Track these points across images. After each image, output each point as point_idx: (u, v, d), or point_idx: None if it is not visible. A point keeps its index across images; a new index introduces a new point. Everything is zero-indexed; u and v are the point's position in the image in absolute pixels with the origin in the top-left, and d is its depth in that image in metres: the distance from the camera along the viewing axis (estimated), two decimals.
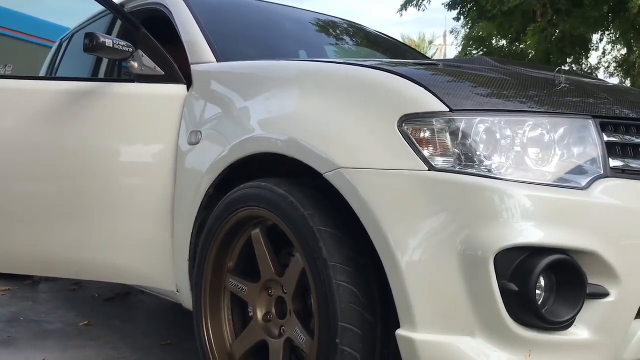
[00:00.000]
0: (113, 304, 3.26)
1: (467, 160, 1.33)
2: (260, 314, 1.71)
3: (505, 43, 10.34)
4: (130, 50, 2.18)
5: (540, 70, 1.75)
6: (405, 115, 1.38)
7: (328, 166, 1.45)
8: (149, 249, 2.14)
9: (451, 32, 11.12)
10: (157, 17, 2.62)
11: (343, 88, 1.57)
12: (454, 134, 1.35)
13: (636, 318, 1.31)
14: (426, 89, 1.40)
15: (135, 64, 2.20)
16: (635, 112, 1.52)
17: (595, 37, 9.45)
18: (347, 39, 3.40)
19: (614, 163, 1.39)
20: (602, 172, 1.36)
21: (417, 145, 1.36)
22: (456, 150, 1.34)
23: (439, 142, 1.35)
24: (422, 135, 1.37)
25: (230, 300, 1.83)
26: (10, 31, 5.97)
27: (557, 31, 8.05)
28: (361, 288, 1.41)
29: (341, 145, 1.46)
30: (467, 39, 10.54)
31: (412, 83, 1.43)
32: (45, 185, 2.28)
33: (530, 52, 8.96)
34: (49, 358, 2.30)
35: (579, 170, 1.36)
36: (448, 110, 1.36)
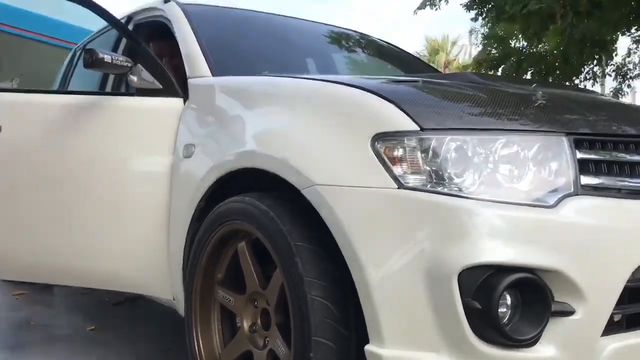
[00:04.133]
0: (122, 308, 3.34)
1: (437, 179, 1.36)
2: (246, 325, 1.76)
3: (524, 44, 10.23)
4: (129, 64, 2.24)
5: (522, 86, 1.77)
6: (377, 134, 1.42)
7: (305, 182, 1.49)
8: (147, 259, 2.20)
9: (470, 32, 11.04)
10: (162, 29, 2.69)
11: (322, 106, 1.61)
12: (424, 152, 1.38)
13: (603, 335, 1.33)
14: (398, 107, 1.43)
15: (135, 78, 2.26)
16: (612, 128, 1.53)
17: (622, 39, 9.32)
18: (352, 49, 3.42)
19: (586, 180, 1.40)
20: (572, 190, 1.37)
21: (389, 164, 1.39)
22: (427, 169, 1.37)
23: (410, 161, 1.38)
24: (393, 153, 1.40)
25: (220, 310, 1.88)
26: (26, 32, 6.02)
27: (577, 33, 7.94)
28: (336, 303, 1.44)
29: (318, 162, 1.50)
30: (488, 39, 10.45)
31: (384, 101, 1.46)
32: (49, 196, 2.36)
33: (548, 55, 8.86)
34: None
35: (549, 188, 1.37)
36: (419, 129, 1.38)
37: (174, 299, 2.14)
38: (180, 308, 2.09)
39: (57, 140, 2.35)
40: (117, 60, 2.22)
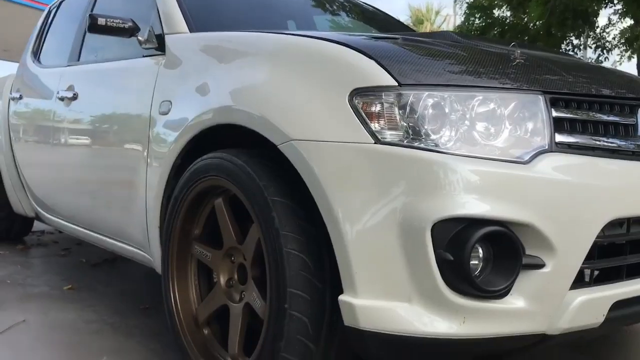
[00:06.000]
0: (99, 269, 3.34)
1: (414, 135, 1.37)
2: (223, 280, 1.77)
3: (508, 14, 10.22)
4: (128, 25, 2.23)
5: (500, 46, 1.77)
6: (356, 89, 1.41)
7: (282, 138, 1.49)
8: (128, 215, 2.21)
9: (454, 1, 10.99)
10: None
11: (299, 61, 1.60)
12: (402, 108, 1.38)
13: (571, 289, 1.36)
14: (377, 62, 1.42)
15: (142, 39, 2.26)
16: (588, 88, 1.55)
17: (603, 11, 9.35)
18: (336, 12, 3.39)
19: (561, 138, 1.42)
20: (546, 147, 1.39)
21: (366, 119, 1.39)
22: (404, 124, 1.37)
23: (387, 116, 1.39)
24: (371, 109, 1.40)
25: (197, 266, 1.89)
26: None
27: (560, 4, 7.95)
28: (311, 256, 1.46)
29: (294, 117, 1.49)
30: (471, 9, 10.42)
31: (363, 56, 1.45)
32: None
33: (531, 25, 8.87)
34: (31, 319, 2.38)
35: (524, 145, 1.39)
36: (397, 84, 1.38)
37: (150, 257, 2.14)
38: (157, 266, 2.10)
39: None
40: (113, 22, 2.20)
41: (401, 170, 1.32)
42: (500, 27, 9.69)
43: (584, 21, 8.50)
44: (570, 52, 9.51)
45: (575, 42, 9.33)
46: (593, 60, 9.70)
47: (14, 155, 3.51)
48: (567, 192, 1.36)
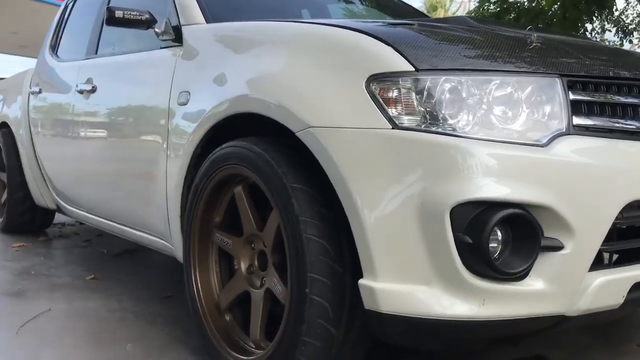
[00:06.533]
0: (120, 259, 3.39)
1: (431, 119, 1.38)
2: (243, 266, 1.80)
3: None
4: (145, 17, 2.25)
5: (516, 30, 1.77)
6: (373, 75, 1.42)
7: (300, 125, 1.51)
8: (152, 205, 2.25)
9: None
10: None
11: (317, 48, 1.61)
12: (419, 93, 1.39)
13: (590, 270, 1.37)
14: (394, 48, 1.43)
15: (159, 31, 2.28)
16: (605, 70, 1.54)
17: None
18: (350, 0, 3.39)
19: (578, 121, 1.42)
20: (564, 129, 1.40)
21: (383, 105, 1.40)
22: (421, 109, 1.38)
23: (405, 101, 1.40)
24: (388, 94, 1.41)
25: (218, 253, 1.92)
26: None
27: None
28: (331, 241, 1.48)
29: (312, 104, 1.51)
30: None
31: (380, 42, 1.46)
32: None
33: (547, 9, 8.75)
34: (55, 308, 2.44)
35: (542, 128, 1.39)
36: (414, 69, 1.39)
37: (172, 245, 2.18)
38: (179, 254, 2.13)
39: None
40: (131, 14, 2.22)
41: (419, 154, 1.34)
42: (516, 13, 9.57)
43: (598, 5, 8.37)
44: (588, 36, 9.39)
45: (591, 25, 9.20)
46: (615, 44, 9.56)
47: (34, 149, 3.57)
48: (585, 174, 1.36)
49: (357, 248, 1.39)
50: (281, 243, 1.62)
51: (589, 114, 1.46)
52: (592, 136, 1.43)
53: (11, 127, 3.86)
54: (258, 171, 1.61)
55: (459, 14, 24.54)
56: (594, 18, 9.18)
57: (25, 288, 2.73)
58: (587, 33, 9.21)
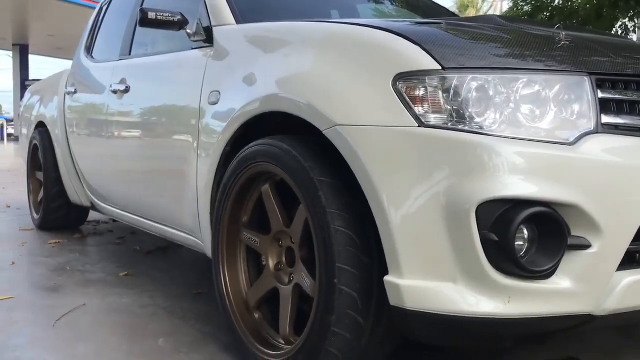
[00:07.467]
0: (153, 256, 3.46)
1: (458, 118, 1.38)
2: (272, 264, 1.83)
3: None
4: (178, 18, 2.30)
5: (545, 28, 1.75)
6: (399, 74, 1.44)
7: (326, 123, 1.53)
8: (183, 203, 2.29)
9: None
10: None
11: (344, 48, 1.63)
12: (446, 91, 1.40)
13: (619, 270, 1.36)
14: (421, 47, 1.44)
15: (190, 32, 2.33)
16: (634, 68, 1.52)
17: None
18: (380, 0, 3.39)
19: (607, 119, 1.41)
20: (592, 128, 1.39)
21: (410, 103, 1.41)
22: (448, 108, 1.39)
23: (431, 100, 1.41)
24: (415, 93, 1.42)
25: (246, 251, 1.95)
26: None
27: None
28: (358, 233, 1.49)
29: (339, 103, 1.53)
30: None
31: (407, 41, 1.47)
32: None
33: (580, 8, 8.59)
34: (90, 303, 2.50)
35: (570, 127, 1.39)
36: (441, 68, 1.40)
37: (202, 242, 2.22)
38: (208, 251, 2.17)
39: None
40: (163, 15, 2.27)
41: (446, 152, 1.34)
42: (549, 12, 9.43)
43: (637, 2, 8.19)
44: (623, 34, 9.19)
45: (630, 24, 9.00)
46: None
47: (70, 148, 3.67)
48: (613, 173, 1.35)
49: (382, 244, 1.41)
50: (308, 238, 1.64)
51: (618, 112, 1.44)
52: (621, 135, 1.41)
53: (48, 126, 3.98)
54: (285, 167, 1.64)
55: (490, 13, 24.29)
56: (633, 15, 8.98)
57: (61, 283, 2.80)
58: (625, 31, 9.01)
